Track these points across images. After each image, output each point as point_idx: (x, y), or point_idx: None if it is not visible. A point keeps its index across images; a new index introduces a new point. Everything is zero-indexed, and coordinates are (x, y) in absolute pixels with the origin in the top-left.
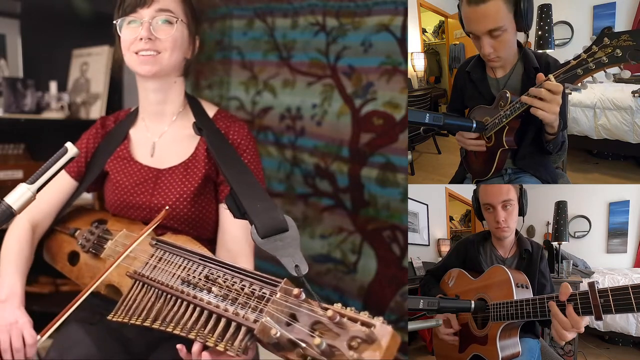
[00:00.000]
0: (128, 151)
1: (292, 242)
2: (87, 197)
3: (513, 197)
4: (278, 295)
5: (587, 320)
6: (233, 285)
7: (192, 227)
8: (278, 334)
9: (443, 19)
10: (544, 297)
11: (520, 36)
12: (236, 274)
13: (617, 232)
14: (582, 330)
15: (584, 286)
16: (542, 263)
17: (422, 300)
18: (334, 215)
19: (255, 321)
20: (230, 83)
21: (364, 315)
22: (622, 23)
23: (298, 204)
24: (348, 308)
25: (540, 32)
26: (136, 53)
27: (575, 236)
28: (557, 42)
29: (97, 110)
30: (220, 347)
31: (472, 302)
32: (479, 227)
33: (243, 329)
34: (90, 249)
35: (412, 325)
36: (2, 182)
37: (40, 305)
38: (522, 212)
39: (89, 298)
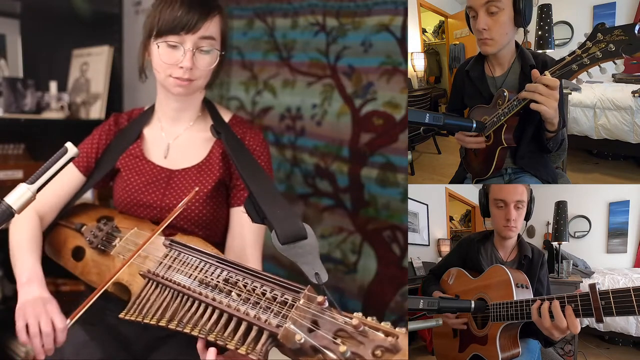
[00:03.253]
0: (141, 150)
1: (311, 250)
2: (87, 196)
3: (525, 199)
4: (302, 302)
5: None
6: (254, 290)
7: (202, 229)
8: (302, 340)
9: (443, 19)
10: (545, 298)
11: (520, 37)
12: (256, 279)
13: (617, 232)
14: (577, 331)
15: (584, 286)
16: (541, 270)
17: (422, 300)
18: (334, 215)
19: (277, 326)
20: (230, 83)
21: (387, 326)
22: (621, 23)
23: (298, 204)
24: (369, 318)
25: (540, 32)
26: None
27: (575, 236)
28: (557, 42)
29: (97, 110)
30: (242, 351)
31: (472, 302)
32: (479, 227)
33: (265, 334)
34: (99, 246)
35: (412, 325)
36: (2, 182)
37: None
38: (528, 216)
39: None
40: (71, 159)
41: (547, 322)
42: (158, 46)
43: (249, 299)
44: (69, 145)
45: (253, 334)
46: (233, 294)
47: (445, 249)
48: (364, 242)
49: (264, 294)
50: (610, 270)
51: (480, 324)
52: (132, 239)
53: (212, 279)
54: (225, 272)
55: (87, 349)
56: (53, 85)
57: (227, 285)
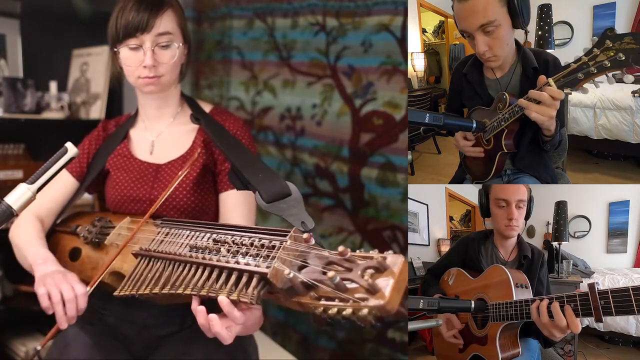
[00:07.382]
0: (128, 149)
1: (296, 204)
2: (87, 197)
3: (525, 198)
4: (288, 242)
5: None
6: (242, 242)
7: (191, 217)
8: (291, 275)
9: (443, 19)
10: (544, 298)
11: (520, 36)
12: (245, 233)
13: (617, 232)
14: (578, 331)
15: (584, 286)
16: (541, 270)
17: (422, 300)
18: (334, 215)
19: (267, 267)
20: (230, 83)
21: (374, 253)
22: (622, 23)
23: None
24: (357, 251)
25: (540, 32)
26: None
27: (575, 236)
28: (557, 42)
29: (97, 110)
30: (234, 297)
31: (472, 302)
32: (479, 227)
33: (256, 277)
34: (93, 239)
35: (412, 325)
36: (2, 182)
37: (40, 306)
38: (527, 216)
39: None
40: (71, 159)
41: (545, 319)
42: (119, 52)
43: (239, 251)
44: (69, 145)
45: (244, 280)
46: (222, 249)
47: (445, 249)
48: (364, 242)
49: (252, 244)
50: (610, 270)
51: (480, 324)
52: (125, 226)
53: (202, 242)
54: (214, 235)
55: (86, 349)
56: (53, 85)
57: (216, 244)
